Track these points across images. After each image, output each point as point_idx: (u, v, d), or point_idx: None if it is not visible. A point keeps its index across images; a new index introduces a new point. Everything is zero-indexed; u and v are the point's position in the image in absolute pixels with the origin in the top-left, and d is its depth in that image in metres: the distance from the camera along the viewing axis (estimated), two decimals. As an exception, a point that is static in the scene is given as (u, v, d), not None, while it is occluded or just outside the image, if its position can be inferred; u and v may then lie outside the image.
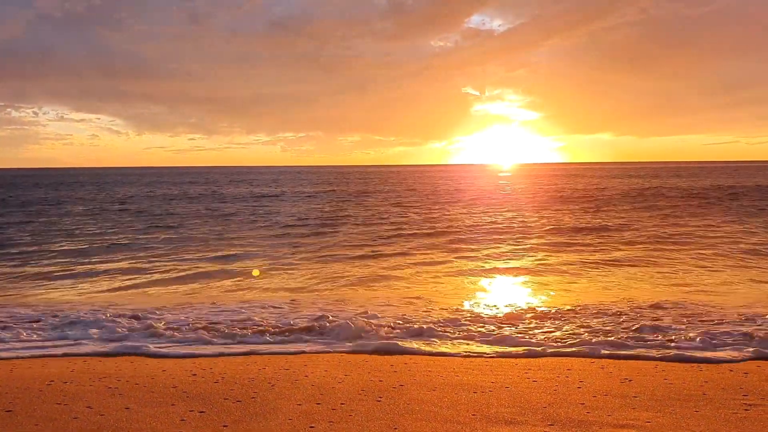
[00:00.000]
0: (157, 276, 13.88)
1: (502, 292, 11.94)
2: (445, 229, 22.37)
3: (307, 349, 7.63)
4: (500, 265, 14.90)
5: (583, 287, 11.98)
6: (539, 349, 7.38)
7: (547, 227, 22.68)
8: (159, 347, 7.73)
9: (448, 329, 8.38)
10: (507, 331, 8.39)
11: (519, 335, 8.15)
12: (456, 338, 8.00)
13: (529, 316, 9.24)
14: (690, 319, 8.90)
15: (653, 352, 7.20)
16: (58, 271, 14.62)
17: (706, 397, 5.62)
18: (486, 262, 15.23)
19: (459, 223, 24.86)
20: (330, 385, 6.05)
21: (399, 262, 15.31)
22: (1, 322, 9.14)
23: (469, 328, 8.51)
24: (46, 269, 14.93)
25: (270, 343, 7.92)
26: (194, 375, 6.46)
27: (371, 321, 8.70)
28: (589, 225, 23.10)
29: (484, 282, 12.89)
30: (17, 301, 11.23)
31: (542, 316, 9.15)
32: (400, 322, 8.75)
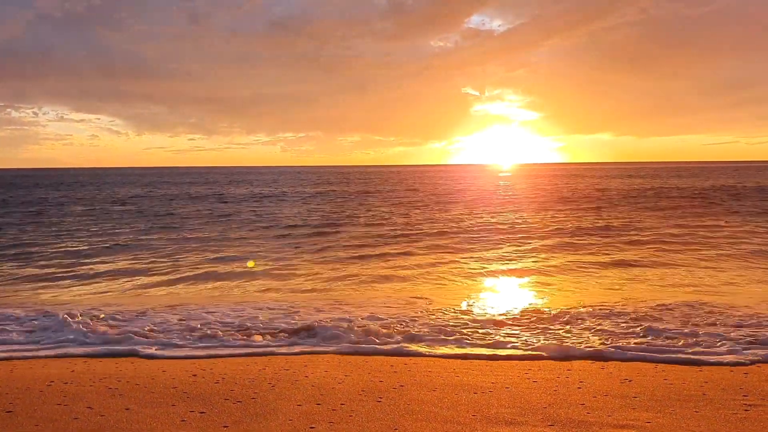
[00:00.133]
0: (157, 277, 13.87)
1: (504, 293, 11.93)
2: (447, 230, 22.34)
3: (307, 349, 7.63)
4: (502, 266, 14.87)
5: (586, 288, 11.93)
6: (539, 353, 7.31)
7: (550, 228, 22.61)
8: (158, 349, 7.70)
9: (448, 331, 8.37)
10: (507, 332, 8.38)
11: (520, 336, 8.15)
12: (456, 340, 7.98)
13: (530, 317, 9.21)
14: (692, 319, 8.89)
15: (655, 354, 7.15)
16: (57, 272, 14.62)
17: (706, 398, 5.62)
18: (488, 264, 15.18)
19: (460, 223, 24.83)
20: (330, 386, 6.05)
21: (400, 263, 15.30)
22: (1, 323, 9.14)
23: (470, 329, 8.49)
24: (45, 270, 14.93)
25: (270, 345, 7.88)
26: (194, 376, 6.46)
27: (369, 324, 8.70)
28: (591, 226, 23.03)
29: (485, 283, 12.87)
30: (17, 301, 11.24)
31: (543, 318, 9.13)
32: (401, 325, 8.72)
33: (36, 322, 9.12)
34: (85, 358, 7.42)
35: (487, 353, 7.35)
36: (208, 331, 8.41)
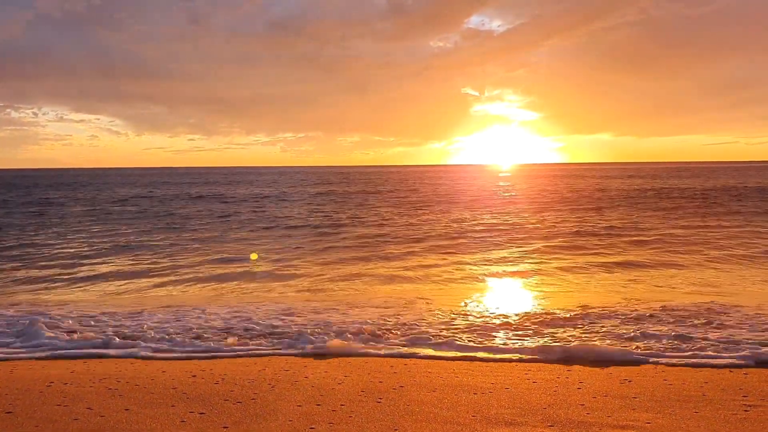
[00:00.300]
0: (157, 279, 13.87)
1: (505, 294, 11.92)
2: (447, 231, 22.30)
3: (307, 351, 7.62)
4: (503, 267, 14.84)
5: (588, 289, 11.91)
6: (539, 356, 7.25)
7: (551, 229, 22.57)
8: (156, 352, 7.67)
9: (449, 332, 8.37)
10: (508, 334, 8.38)
11: (520, 338, 8.15)
12: (456, 342, 7.97)
13: (531, 319, 9.21)
14: (694, 320, 8.89)
15: (657, 357, 7.10)
16: (56, 273, 14.62)
17: (706, 398, 5.62)
18: (489, 265, 15.15)
19: (461, 224, 24.80)
20: (330, 387, 6.05)
21: (401, 264, 15.29)
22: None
23: (471, 331, 8.49)
24: (45, 271, 14.92)
25: (265, 348, 7.82)
26: (194, 376, 6.46)
27: (369, 326, 8.70)
28: (593, 227, 22.95)
29: (486, 284, 12.85)
30: (8, 301, 11.24)
31: (544, 319, 9.12)
32: (401, 327, 8.72)
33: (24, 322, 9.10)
34: (85, 359, 7.42)
35: (488, 356, 7.30)
36: (205, 335, 8.37)
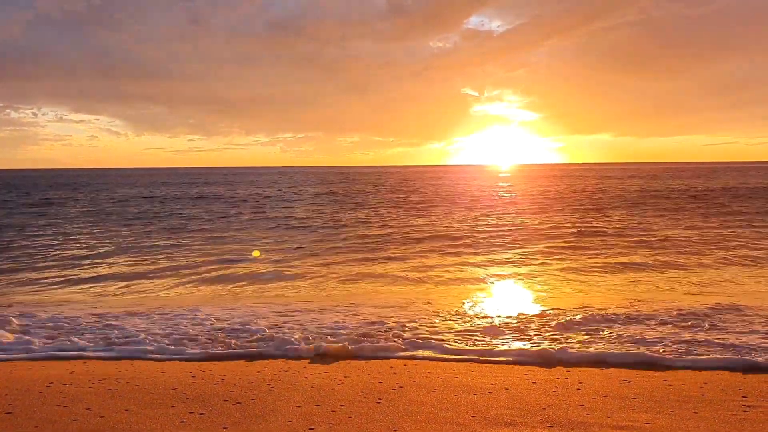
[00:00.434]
0: (156, 279, 13.86)
1: (506, 296, 11.88)
2: (448, 232, 22.20)
3: (305, 354, 7.61)
4: (504, 268, 14.72)
5: (590, 291, 11.81)
6: (539, 359, 7.14)
7: (553, 230, 22.41)
8: (155, 353, 7.65)
9: (449, 334, 8.36)
10: (508, 336, 8.38)
11: (521, 340, 8.15)
12: (457, 343, 7.96)
13: (531, 321, 9.20)
14: (696, 322, 8.89)
15: (658, 359, 7.02)
16: (55, 274, 14.61)
17: (705, 399, 5.63)
18: (490, 266, 15.04)
19: (462, 225, 24.74)
20: (329, 387, 6.05)
21: (401, 265, 15.27)
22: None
23: (470, 333, 8.47)
24: (44, 272, 14.92)
25: (267, 350, 7.77)
26: (194, 377, 6.46)
27: (369, 327, 8.69)
28: (595, 228, 22.81)
29: (487, 286, 12.73)
30: (6, 302, 11.24)
31: (545, 321, 9.10)
32: (401, 328, 8.70)
33: (31, 325, 9.11)
34: (85, 360, 7.43)
35: (487, 358, 7.22)
36: (199, 336, 8.30)
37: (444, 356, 7.32)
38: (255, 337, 8.23)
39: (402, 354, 7.40)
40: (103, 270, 14.93)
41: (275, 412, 5.34)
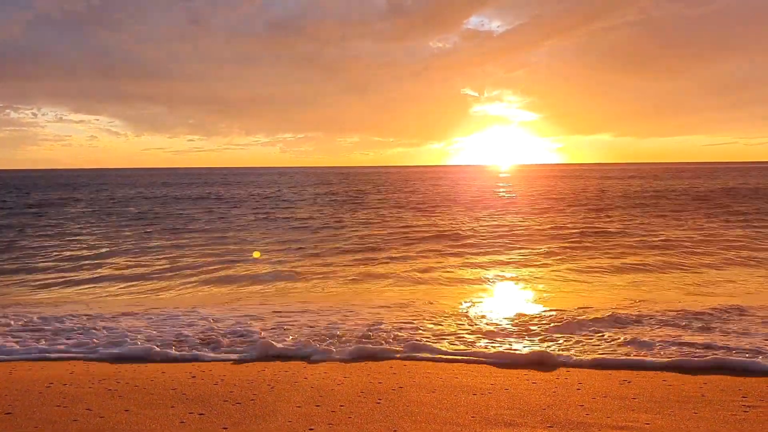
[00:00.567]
0: (157, 281, 13.84)
1: (507, 298, 11.85)
2: (449, 233, 22.11)
3: (306, 356, 7.60)
4: (506, 270, 14.62)
5: (591, 292, 11.75)
6: (542, 361, 7.06)
7: (554, 231, 22.30)
8: (143, 355, 7.62)
9: (448, 336, 8.33)
10: (509, 338, 8.38)
11: (520, 343, 8.14)
12: (456, 344, 7.95)
13: (532, 323, 9.17)
14: (695, 323, 8.89)
15: (657, 361, 6.96)
16: (55, 274, 14.61)
17: (705, 399, 5.63)
18: (491, 268, 14.93)
19: (463, 226, 24.63)
20: (329, 387, 6.05)
21: (402, 266, 15.25)
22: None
23: (470, 335, 8.44)
24: (43, 272, 14.91)
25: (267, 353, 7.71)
26: (193, 377, 6.46)
27: (369, 330, 8.68)
28: (596, 228, 22.68)
29: (487, 288, 12.65)
30: (13, 302, 11.24)
31: (545, 323, 9.08)
32: (401, 330, 8.70)
33: (31, 329, 9.11)
34: (85, 360, 7.42)
35: (487, 360, 7.18)
36: (203, 341, 8.28)
37: (444, 357, 7.30)
38: (253, 341, 8.17)
39: (402, 355, 7.39)
40: (103, 271, 14.92)
41: (275, 413, 5.34)
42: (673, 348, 7.47)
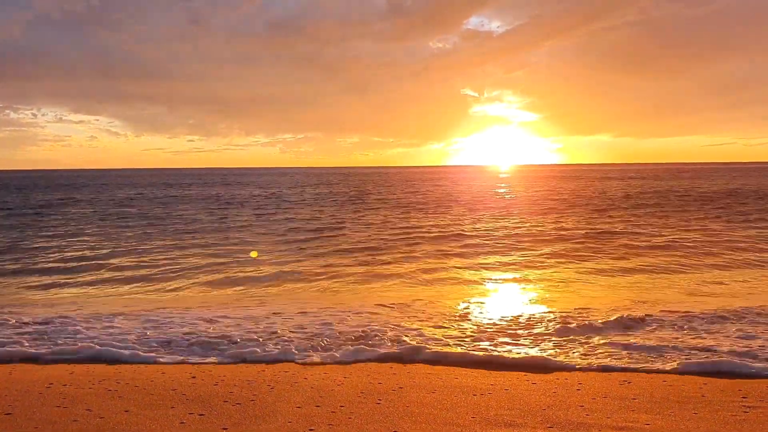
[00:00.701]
0: (156, 282, 13.83)
1: (507, 299, 11.81)
2: (450, 234, 22.00)
3: (306, 360, 7.59)
4: (507, 272, 14.48)
5: (592, 294, 11.67)
6: (543, 363, 7.02)
7: (556, 232, 22.11)
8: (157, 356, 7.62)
9: (450, 339, 8.30)
10: (508, 340, 8.37)
11: (520, 346, 8.14)
12: (458, 347, 7.94)
13: (532, 325, 9.16)
14: (697, 325, 8.88)
15: (656, 365, 6.90)
16: (55, 275, 14.60)
17: (705, 399, 5.63)
18: (493, 269, 14.83)
19: (464, 227, 24.53)
20: (329, 388, 6.05)
21: (402, 267, 15.21)
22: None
23: (470, 337, 8.41)
24: (43, 273, 14.90)
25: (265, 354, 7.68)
26: (193, 378, 6.46)
27: (369, 331, 8.67)
28: (598, 230, 22.47)
29: (488, 290, 12.57)
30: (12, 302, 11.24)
31: (547, 324, 9.07)
32: (402, 330, 8.69)
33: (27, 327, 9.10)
34: (86, 363, 7.42)
35: (487, 362, 7.11)
36: (201, 345, 8.25)
37: (445, 359, 7.27)
38: (252, 343, 8.14)
39: (402, 356, 7.37)
40: (102, 271, 14.90)
41: (275, 413, 5.34)
42: (675, 353, 7.37)
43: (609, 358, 7.13)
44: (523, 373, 6.57)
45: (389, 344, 7.78)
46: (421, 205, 37.47)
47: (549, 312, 9.69)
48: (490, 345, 7.81)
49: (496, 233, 22.00)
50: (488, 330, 8.58)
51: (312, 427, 5.00)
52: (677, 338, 7.99)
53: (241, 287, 12.70)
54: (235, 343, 7.96)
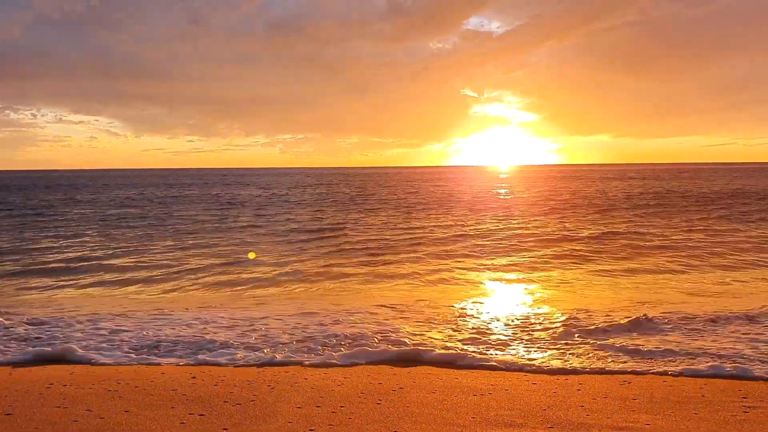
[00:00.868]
0: (156, 283, 13.83)
1: (507, 301, 11.80)
2: (450, 235, 21.93)
3: (306, 361, 7.60)
4: (508, 273, 14.38)
5: (593, 295, 11.67)
6: (544, 365, 6.96)
7: (559, 233, 22.04)
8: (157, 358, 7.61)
9: (450, 341, 8.28)
10: (510, 343, 8.37)
11: (521, 347, 8.13)
12: (458, 349, 7.92)
13: (533, 327, 9.14)
14: (698, 326, 8.87)
15: (658, 367, 6.85)
16: (55, 275, 14.60)
17: (705, 400, 5.62)
18: (493, 271, 14.77)
19: (464, 228, 24.46)
20: (329, 388, 6.05)
21: (403, 268, 15.19)
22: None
23: (470, 338, 8.37)
24: (42, 273, 14.90)
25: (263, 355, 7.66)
26: (194, 378, 6.46)
27: (369, 332, 8.66)
28: (599, 231, 22.39)
29: (488, 291, 12.56)
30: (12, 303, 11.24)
31: (548, 325, 9.07)
32: (401, 331, 8.69)
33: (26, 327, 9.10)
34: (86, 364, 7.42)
35: (487, 364, 7.10)
36: (201, 348, 8.28)
37: (445, 359, 7.24)
38: (251, 346, 8.19)
39: (402, 356, 7.36)
40: (102, 272, 14.90)
41: (275, 413, 5.34)
42: (676, 354, 7.32)
43: (610, 359, 7.12)
44: (524, 374, 6.57)
45: (390, 345, 7.78)
46: (422, 206, 37.44)
47: (550, 313, 9.69)
48: (491, 345, 7.81)
49: (498, 234, 21.95)
50: (489, 330, 8.58)
51: (312, 428, 5.00)
52: (679, 339, 7.98)
53: (242, 288, 12.70)
54: (236, 343, 7.98)
